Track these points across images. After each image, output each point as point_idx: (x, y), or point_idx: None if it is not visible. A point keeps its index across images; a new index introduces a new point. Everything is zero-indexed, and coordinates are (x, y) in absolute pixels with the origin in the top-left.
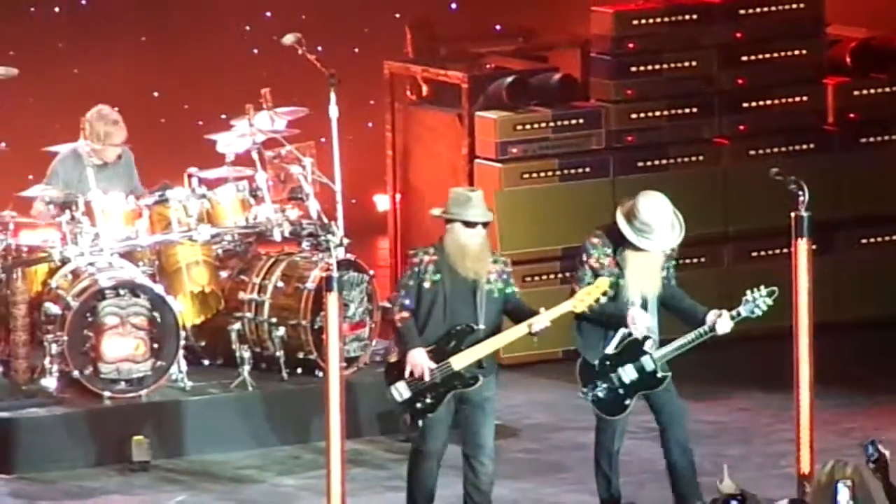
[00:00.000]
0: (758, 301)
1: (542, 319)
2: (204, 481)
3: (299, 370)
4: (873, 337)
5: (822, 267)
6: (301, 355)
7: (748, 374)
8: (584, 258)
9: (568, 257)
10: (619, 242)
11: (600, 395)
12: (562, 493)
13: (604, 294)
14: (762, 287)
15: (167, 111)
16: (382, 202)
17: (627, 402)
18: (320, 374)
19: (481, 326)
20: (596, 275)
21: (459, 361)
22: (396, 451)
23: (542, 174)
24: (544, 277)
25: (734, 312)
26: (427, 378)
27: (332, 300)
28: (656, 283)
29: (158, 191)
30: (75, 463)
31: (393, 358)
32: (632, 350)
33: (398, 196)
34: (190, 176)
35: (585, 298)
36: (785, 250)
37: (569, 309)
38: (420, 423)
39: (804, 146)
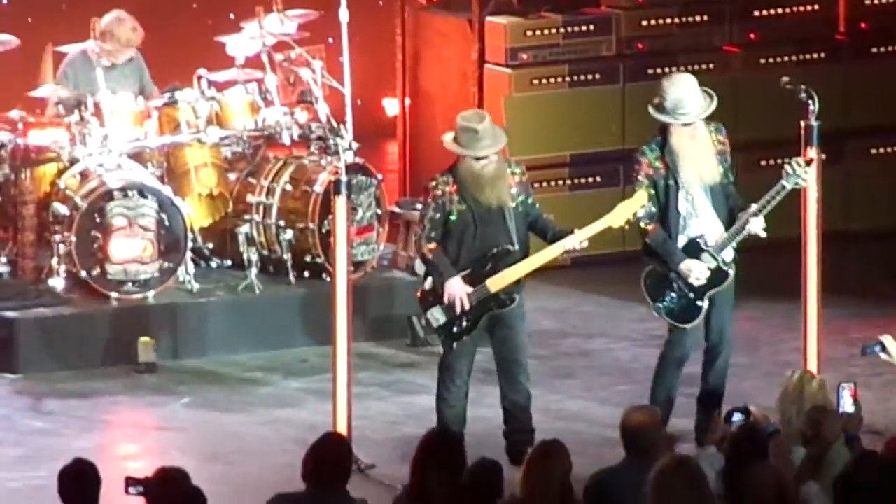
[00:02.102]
0: (797, 171)
1: (578, 239)
2: (210, 383)
3: (306, 273)
4: (883, 247)
5: (831, 177)
6: (308, 259)
7: (756, 283)
8: (637, 167)
9: (576, 163)
10: (664, 140)
11: (672, 305)
12: (567, 399)
13: (642, 207)
14: (799, 157)
15: (176, 12)
16: (392, 106)
17: (700, 303)
18: (327, 277)
19: (516, 246)
20: (653, 182)
21: (496, 284)
22: (403, 355)
23: (552, 80)
24: (553, 184)
25: (778, 186)
26: (467, 306)
27: (340, 204)
28: (713, 168)
29: (168, 92)
30: (81, 363)
31: (427, 286)
32: (690, 250)
33: (407, 100)
34: (199, 78)
35: (624, 213)
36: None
37: (607, 225)
38: (455, 345)
39: (815, 55)
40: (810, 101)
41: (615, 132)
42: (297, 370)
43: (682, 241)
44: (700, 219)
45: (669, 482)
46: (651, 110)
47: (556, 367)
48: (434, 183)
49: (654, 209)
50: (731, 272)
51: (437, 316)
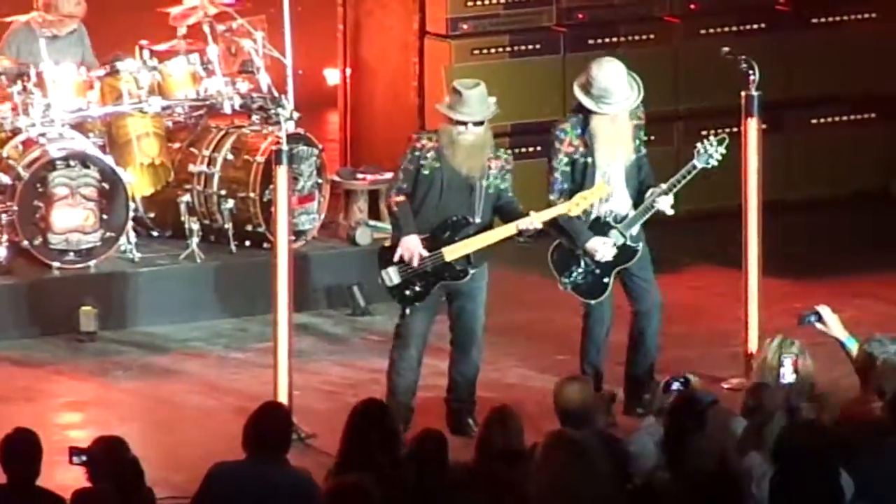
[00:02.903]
0: (710, 151)
1: (532, 221)
2: (151, 353)
3: (248, 243)
4: (823, 216)
5: (772, 146)
6: (250, 228)
7: (697, 252)
8: (558, 144)
9: (517, 133)
10: (585, 121)
11: (579, 280)
12: (508, 369)
13: (603, 200)
14: (711, 136)
15: None
16: (333, 77)
17: (606, 280)
18: (269, 246)
19: (477, 220)
20: (571, 160)
21: (451, 253)
22: (344, 325)
23: (493, 51)
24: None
25: (689, 166)
26: (416, 264)
27: (281, 173)
28: (627, 151)
29: (110, 62)
30: (23, 333)
31: (387, 242)
32: (597, 228)
33: (348, 71)
34: (141, 48)
35: (581, 202)
36: (735, 129)
37: (563, 212)
38: (408, 310)
39: (756, 26)
40: (751, 72)
41: (556, 102)
42: (239, 339)
43: (591, 216)
44: (611, 197)
45: (550, 456)
46: (576, 90)
47: (495, 339)
48: (417, 135)
49: (565, 185)
50: (640, 247)
51: (391, 275)
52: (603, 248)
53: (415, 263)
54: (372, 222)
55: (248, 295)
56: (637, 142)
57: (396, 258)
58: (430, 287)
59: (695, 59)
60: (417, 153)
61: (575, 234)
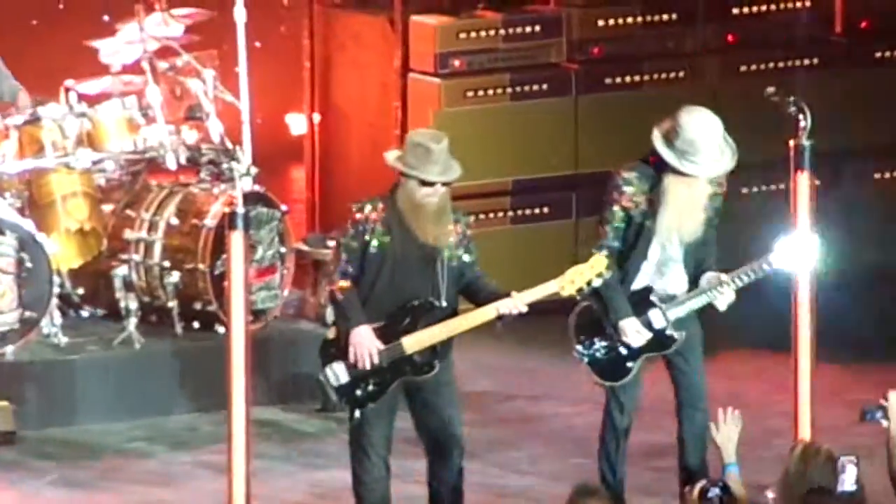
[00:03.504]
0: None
1: (515, 303)
2: (81, 457)
3: (196, 324)
4: (886, 288)
5: (826, 206)
6: (199, 306)
7: (738, 332)
8: (616, 195)
9: (520, 191)
10: (657, 176)
11: (599, 355)
12: (510, 474)
13: (598, 276)
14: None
15: (39, 13)
16: (297, 124)
17: (630, 364)
18: (221, 329)
19: (443, 304)
20: (628, 216)
21: (413, 344)
22: (314, 422)
23: (490, 92)
24: (491, 216)
25: (763, 263)
26: (375, 361)
27: (235, 240)
28: (696, 221)
29: (29, 108)
30: None
31: (330, 334)
32: (639, 301)
33: (316, 117)
34: (67, 90)
35: (576, 279)
36: (782, 185)
37: (552, 291)
38: (358, 413)
39: (807, 61)
40: (801, 116)
41: (566, 153)
42: (186, 440)
43: (635, 288)
44: (665, 271)
45: None
46: (656, 138)
47: (495, 436)
48: (358, 205)
49: (616, 244)
50: (680, 336)
51: (337, 373)
52: (634, 336)
53: (374, 361)
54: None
55: (198, 387)
56: (709, 214)
57: (351, 357)
58: (387, 385)
59: (733, 101)
60: (361, 227)
61: (611, 305)
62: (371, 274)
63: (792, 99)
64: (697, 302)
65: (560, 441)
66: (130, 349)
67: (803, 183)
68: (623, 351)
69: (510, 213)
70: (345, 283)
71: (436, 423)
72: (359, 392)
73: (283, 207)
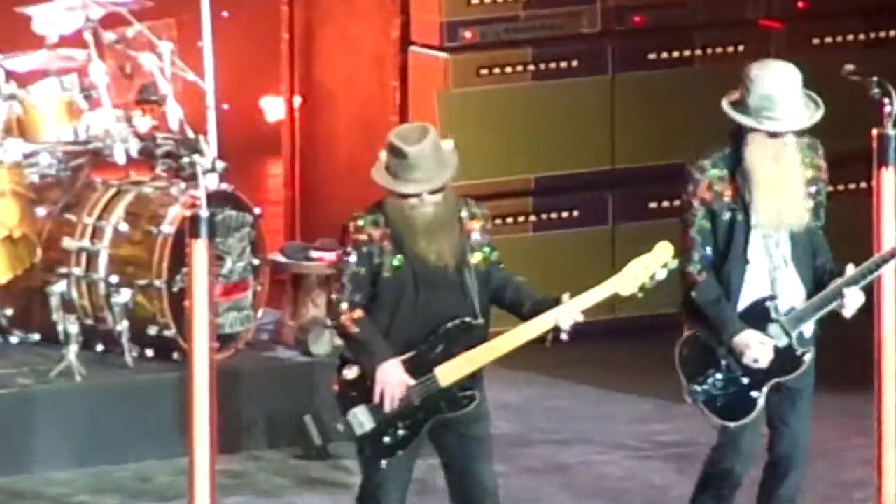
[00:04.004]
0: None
1: (570, 311)
2: None
3: (150, 352)
4: None
5: None
6: (153, 331)
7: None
8: (691, 190)
9: (544, 191)
10: (736, 156)
11: (715, 391)
12: None
13: (664, 267)
14: None
15: None
16: (274, 108)
17: (755, 394)
18: (180, 358)
19: (480, 321)
20: (709, 212)
21: (449, 374)
22: (293, 473)
23: (509, 69)
24: (509, 221)
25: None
26: (400, 400)
27: (199, 250)
28: (798, 210)
29: None
30: None
31: (351, 374)
32: (753, 317)
33: (297, 100)
34: None
35: (638, 274)
36: (864, 184)
37: (612, 292)
38: (384, 462)
39: (893, 32)
40: (886, 100)
41: (601, 144)
42: (139, 493)
43: (743, 303)
44: (777, 274)
45: None
46: (726, 107)
47: (518, 486)
48: (358, 223)
49: (708, 251)
50: (809, 356)
51: (361, 420)
52: (758, 349)
53: (397, 403)
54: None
55: (152, 429)
56: (813, 203)
57: (376, 398)
58: (421, 426)
59: (803, 79)
60: (367, 249)
61: (720, 322)
62: (390, 301)
63: (875, 79)
64: (823, 307)
65: (594, 494)
66: (70, 382)
67: (888, 180)
68: (744, 380)
69: (532, 218)
70: (357, 314)
71: (465, 471)
72: (387, 438)
73: (257, 210)
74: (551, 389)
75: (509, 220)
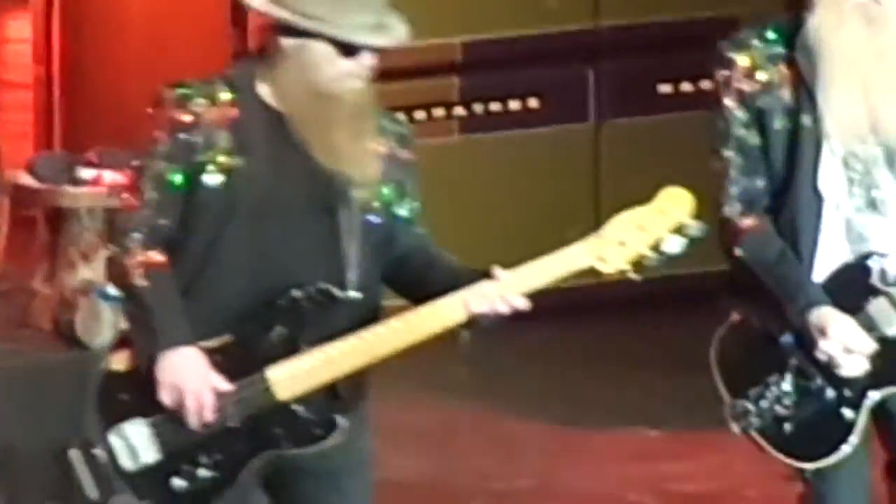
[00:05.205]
0: None
1: (497, 294)
2: None
3: None
4: None
5: None
6: None
7: None
8: (723, 77)
9: (477, 63)
10: (798, 25)
11: (781, 408)
12: None
13: (676, 231)
14: None
15: None
16: None
17: (848, 414)
18: None
19: (351, 293)
20: (757, 116)
21: (290, 381)
22: None
23: None
24: (421, 116)
25: None
26: (211, 420)
27: None
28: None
29: None
30: None
31: (117, 363)
32: (842, 287)
33: None
34: None
35: (632, 241)
36: None
37: (581, 268)
38: None
39: None
40: None
41: None
42: None
43: (822, 267)
44: (877, 217)
45: None
46: None
47: None
48: (179, 94)
49: (759, 183)
50: None
51: (133, 443)
52: (849, 334)
53: (198, 421)
54: (114, 290)
55: None
56: None
57: (170, 405)
58: (239, 467)
59: None
60: (186, 138)
61: (784, 292)
62: (202, 236)
63: None
64: None
65: None
66: None
67: None
68: (829, 392)
69: (459, 111)
70: (152, 256)
71: None
72: (177, 482)
73: None
74: (496, 406)
75: (427, 114)
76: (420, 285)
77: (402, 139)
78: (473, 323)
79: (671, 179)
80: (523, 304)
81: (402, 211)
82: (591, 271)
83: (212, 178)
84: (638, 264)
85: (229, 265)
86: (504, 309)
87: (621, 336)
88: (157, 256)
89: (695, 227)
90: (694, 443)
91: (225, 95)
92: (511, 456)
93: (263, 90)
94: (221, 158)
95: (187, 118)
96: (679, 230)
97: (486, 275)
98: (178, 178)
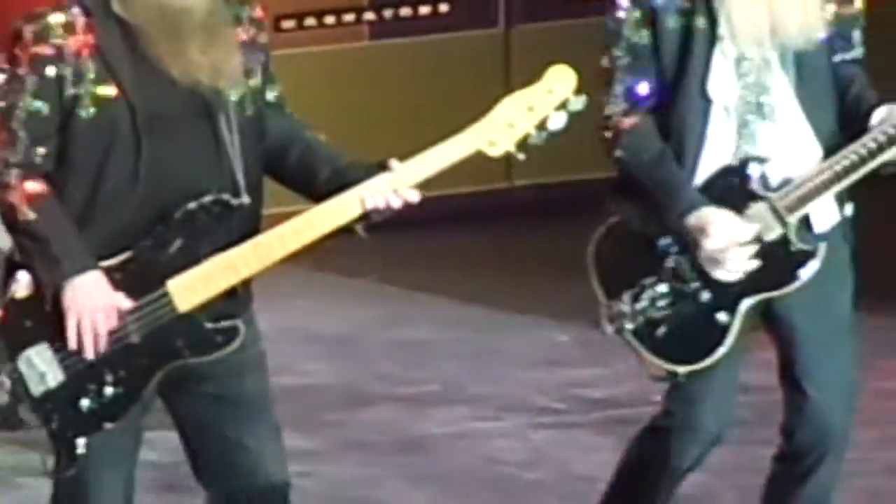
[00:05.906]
0: None
1: (391, 185)
2: None
3: None
4: None
5: None
6: None
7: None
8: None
9: None
10: None
11: (655, 312)
12: None
13: (560, 108)
14: None
15: None
16: None
17: (724, 317)
18: None
19: (244, 199)
20: (648, 15)
21: (192, 291)
22: None
23: None
24: (330, 21)
25: None
26: (107, 338)
27: None
28: (808, 12)
29: None
30: None
31: (21, 290)
32: (722, 190)
33: None
34: None
35: (519, 121)
36: None
37: (470, 151)
38: (82, 447)
39: None
40: None
41: None
42: None
43: (705, 170)
44: (765, 123)
45: None
46: None
47: (342, 478)
48: (34, 26)
49: (643, 83)
50: (819, 254)
51: (40, 369)
52: (728, 235)
53: (101, 343)
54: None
55: None
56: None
57: (68, 333)
58: (144, 381)
59: None
60: (51, 70)
61: (665, 195)
62: (90, 164)
63: None
64: (855, 169)
65: (468, 491)
66: None
67: None
68: (704, 294)
69: (369, 16)
70: (37, 187)
71: (227, 458)
72: (85, 402)
73: None
74: (399, 309)
75: (330, 18)
76: (309, 176)
77: (258, 24)
78: (367, 217)
79: (581, 84)
80: (415, 198)
81: (270, 96)
82: (480, 155)
83: (85, 111)
84: (523, 144)
85: (119, 187)
86: (397, 203)
87: (533, 241)
88: (38, 187)
89: (576, 101)
90: (604, 348)
91: (81, 20)
92: (419, 362)
93: (118, 6)
94: (92, 89)
95: (49, 51)
96: (563, 106)
97: (383, 166)
98: (45, 109)
